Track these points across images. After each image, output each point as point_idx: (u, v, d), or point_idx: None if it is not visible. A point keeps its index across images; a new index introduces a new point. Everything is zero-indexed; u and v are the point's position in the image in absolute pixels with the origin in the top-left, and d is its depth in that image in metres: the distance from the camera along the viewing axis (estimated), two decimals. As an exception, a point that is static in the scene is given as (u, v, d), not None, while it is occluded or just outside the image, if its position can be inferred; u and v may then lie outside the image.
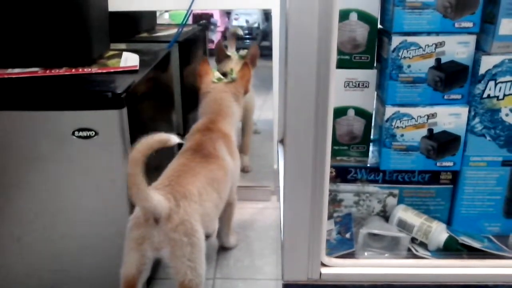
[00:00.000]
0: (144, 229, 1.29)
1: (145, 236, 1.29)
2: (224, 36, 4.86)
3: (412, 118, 1.42)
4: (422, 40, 1.36)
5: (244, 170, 2.49)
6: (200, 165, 1.50)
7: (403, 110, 1.42)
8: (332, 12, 1.07)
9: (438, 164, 1.47)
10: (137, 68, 1.58)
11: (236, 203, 1.85)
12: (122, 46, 1.97)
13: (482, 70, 1.36)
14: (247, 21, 4.77)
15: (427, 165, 1.48)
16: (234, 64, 2.26)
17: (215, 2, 2.05)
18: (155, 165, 1.56)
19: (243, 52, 2.31)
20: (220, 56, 2.30)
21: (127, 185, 1.19)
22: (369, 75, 1.49)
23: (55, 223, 1.46)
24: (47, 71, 1.51)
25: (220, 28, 4.77)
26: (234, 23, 4.79)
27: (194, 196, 1.37)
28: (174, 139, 1.23)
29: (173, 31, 2.26)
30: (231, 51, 2.34)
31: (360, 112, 1.53)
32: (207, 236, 1.81)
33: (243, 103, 1.86)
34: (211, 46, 3.58)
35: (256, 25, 4.76)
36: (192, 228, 1.32)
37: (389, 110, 1.43)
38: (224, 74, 2.27)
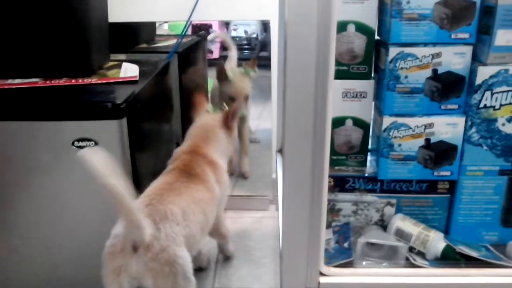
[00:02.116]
0: (120, 259, 1.22)
1: (121, 267, 1.22)
2: (222, 47, 4.88)
3: (410, 128, 1.43)
4: (419, 51, 1.37)
5: (244, 176, 2.53)
6: (186, 185, 1.45)
7: (400, 120, 1.43)
8: (330, 23, 1.08)
9: (435, 173, 1.48)
10: (137, 78, 1.59)
11: (229, 234, 1.84)
12: (122, 56, 1.98)
13: (478, 81, 1.37)
14: (245, 32, 4.79)
15: (424, 174, 1.48)
16: (240, 88, 2.30)
17: (214, 13, 2.07)
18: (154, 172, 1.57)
19: (241, 69, 2.31)
20: (221, 76, 2.31)
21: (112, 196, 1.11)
22: (366, 85, 1.50)
23: (54, 233, 1.47)
24: (47, 82, 1.52)
25: (219, 39, 4.79)
26: (233, 33, 4.81)
27: (177, 216, 1.31)
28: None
29: (173, 41, 2.27)
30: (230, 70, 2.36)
31: (358, 122, 1.54)
32: (201, 268, 1.82)
33: (235, 139, 1.82)
34: (210, 56, 3.60)
35: (254, 35, 4.78)
36: (175, 255, 1.24)
37: (387, 120, 1.44)
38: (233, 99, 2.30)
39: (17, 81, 1.52)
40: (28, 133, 1.38)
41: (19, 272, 1.51)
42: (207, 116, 1.77)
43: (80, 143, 1.37)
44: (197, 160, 1.57)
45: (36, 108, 1.38)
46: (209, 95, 2.69)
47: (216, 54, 4.77)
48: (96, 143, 1.37)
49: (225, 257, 1.93)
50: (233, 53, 2.91)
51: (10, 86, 1.48)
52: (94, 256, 1.46)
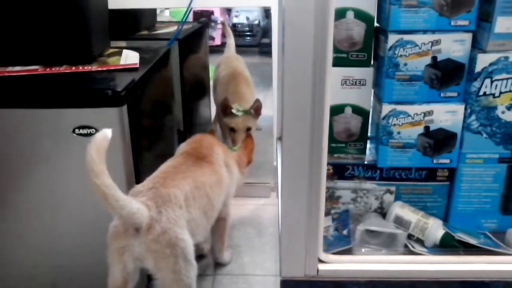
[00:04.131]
0: (123, 240, 1.24)
1: (125, 247, 1.24)
2: (224, 33, 4.88)
3: (409, 115, 1.43)
4: (418, 38, 1.37)
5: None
6: (192, 168, 1.46)
7: (399, 107, 1.43)
8: (328, 10, 1.08)
9: (434, 161, 1.48)
10: (137, 65, 1.59)
11: (230, 218, 1.78)
12: (122, 43, 1.98)
13: (478, 68, 1.37)
14: (247, 18, 4.78)
15: (423, 162, 1.49)
16: (241, 121, 2.25)
17: (215, 0, 2.06)
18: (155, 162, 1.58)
19: (245, 108, 2.28)
20: (226, 111, 2.28)
21: (98, 196, 1.15)
22: (366, 73, 1.50)
23: (56, 220, 1.48)
24: (47, 69, 1.52)
25: (220, 26, 4.78)
26: (235, 20, 4.80)
27: (179, 200, 1.32)
28: (108, 132, 1.15)
29: (173, 28, 2.26)
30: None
31: (357, 110, 1.54)
32: (202, 256, 1.80)
33: (246, 174, 1.85)
34: (212, 43, 3.60)
35: (256, 22, 4.77)
36: (176, 237, 1.25)
37: (386, 108, 1.44)
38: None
39: (17, 68, 1.52)
40: (29, 121, 1.38)
41: (21, 259, 1.52)
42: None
43: (81, 131, 1.37)
44: (208, 142, 1.60)
45: (37, 95, 1.38)
46: (211, 82, 2.70)
47: (217, 41, 4.76)
48: (96, 131, 1.37)
49: (219, 264, 1.83)
50: (231, 41, 2.89)
51: (10, 74, 1.48)
52: (95, 243, 1.48)
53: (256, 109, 2.26)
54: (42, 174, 1.43)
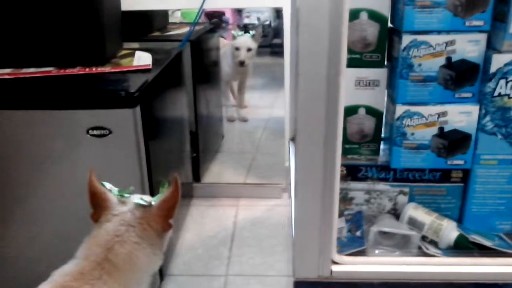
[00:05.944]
0: None
1: None
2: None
3: (423, 116, 1.42)
4: (433, 38, 1.36)
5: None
6: None
7: (413, 108, 1.42)
8: (342, 11, 1.08)
9: (449, 162, 1.47)
10: (150, 67, 1.59)
11: None
12: (135, 45, 1.99)
13: (493, 69, 1.36)
14: (258, 19, 4.79)
15: (437, 163, 1.48)
16: (243, 40, 2.89)
17: (226, 1, 2.07)
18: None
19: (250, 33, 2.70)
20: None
21: None
22: (379, 74, 1.49)
23: (69, 220, 1.48)
24: (61, 71, 1.53)
25: (232, 26, 4.78)
26: (246, 20, 4.81)
27: None
28: None
29: (185, 29, 2.27)
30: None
31: (371, 111, 1.53)
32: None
33: (165, 246, 1.09)
34: (223, 43, 3.63)
35: (267, 22, 4.78)
36: None
37: (400, 109, 1.43)
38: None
39: (31, 70, 1.53)
40: (43, 122, 1.39)
41: (34, 260, 1.53)
42: (120, 221, 1.04)
43: (95, 132, 1.38)
44: None
45: (51, 97, 1.39)
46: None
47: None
48: (110, 132, 1.38)
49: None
50: None
51: (25, 75, 1.49)
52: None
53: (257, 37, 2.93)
54: (55, 175, 1.44)
